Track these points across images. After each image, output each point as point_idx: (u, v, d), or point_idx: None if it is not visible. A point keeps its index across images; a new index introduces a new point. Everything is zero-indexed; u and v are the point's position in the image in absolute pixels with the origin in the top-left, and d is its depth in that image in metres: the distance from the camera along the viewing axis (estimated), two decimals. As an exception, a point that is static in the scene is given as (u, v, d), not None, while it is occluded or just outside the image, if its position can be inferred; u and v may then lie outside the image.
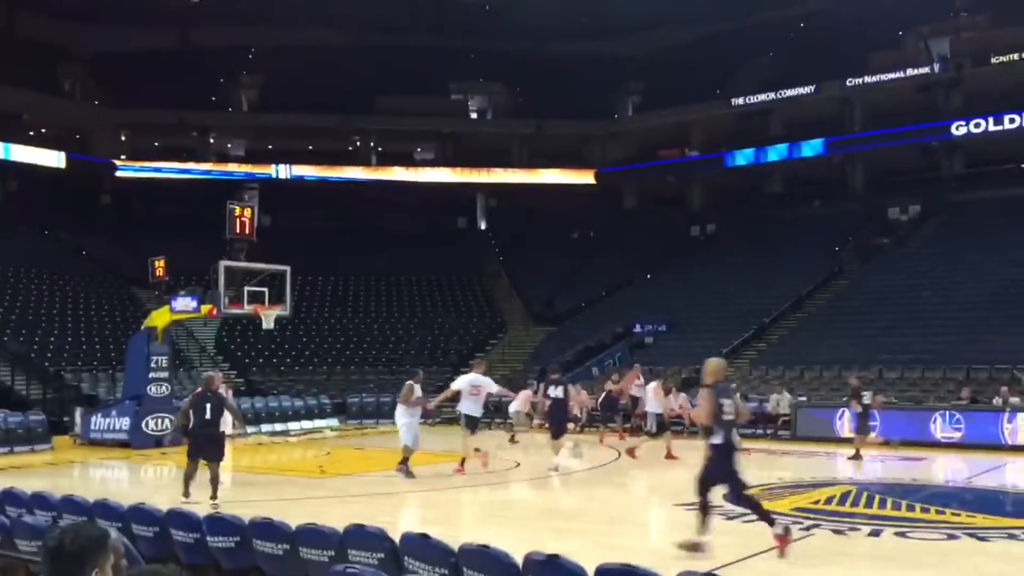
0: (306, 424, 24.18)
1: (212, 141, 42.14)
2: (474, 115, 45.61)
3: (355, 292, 37.01)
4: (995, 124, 33.00)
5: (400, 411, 14.72)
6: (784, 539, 8.32)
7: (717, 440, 8.58)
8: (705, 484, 8.68)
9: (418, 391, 14.67)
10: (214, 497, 11.77)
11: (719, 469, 8.63)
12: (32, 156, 36.14)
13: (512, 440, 20.29)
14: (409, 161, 43.85)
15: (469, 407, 14.51)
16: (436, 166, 42.97)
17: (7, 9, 38.85)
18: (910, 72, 35.36)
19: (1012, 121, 32.62)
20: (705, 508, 8.63)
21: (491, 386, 15.18)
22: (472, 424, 14.63)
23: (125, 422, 19.92)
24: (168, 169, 40.07)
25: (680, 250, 38.23)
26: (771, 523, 8.47)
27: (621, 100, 44.72)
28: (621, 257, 37.71)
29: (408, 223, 40.58)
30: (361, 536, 6.55)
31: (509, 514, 12.01)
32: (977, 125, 33.32)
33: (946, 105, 35.63)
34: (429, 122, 42.13)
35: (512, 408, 21.32)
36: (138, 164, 39.84)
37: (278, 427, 23.50)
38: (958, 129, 33.88)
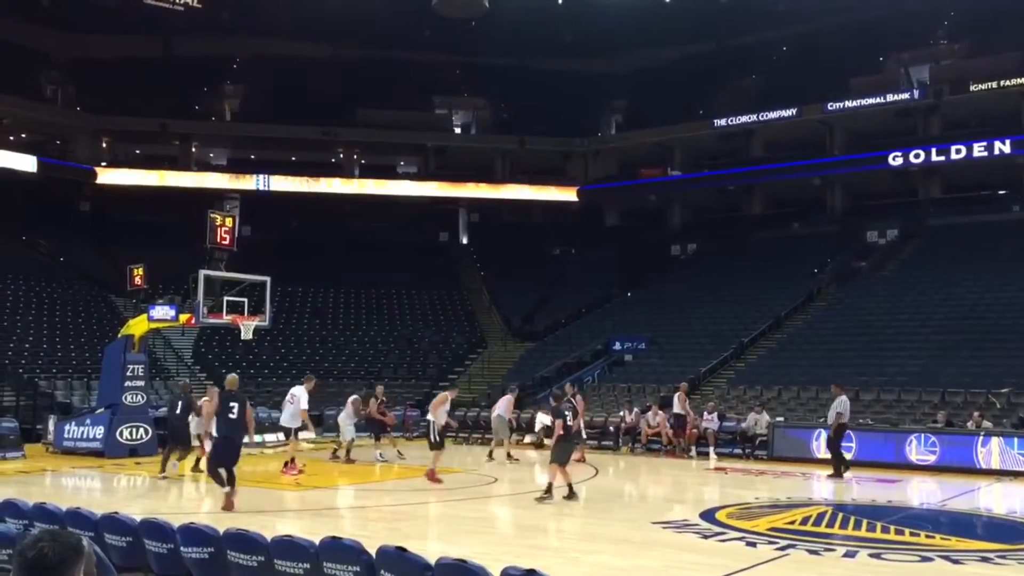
0: (283, 436, 23.97)
1: (194, 150, 41.96)
2: (458, 129, 45.69)
3: (335, 304, 36.87)
4: (972, 151, 33.40)
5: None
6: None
7: (219, 434, 12.57)
8: (213, 466, 12.42)
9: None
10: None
11: (222, 455, 12.29)
12: (5, 160, 35.69)
13: (490, 456, 19.77)
14: (392, 174, 43.82)
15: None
16: (419, 179, 42.98)
17: (-11, 14, 38.60)
18: (890, 97, 35.78)
19: (989, 148, 33.03)
20: (222, 481, 12.09)
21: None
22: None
23: (99, 431, 19.70)
24: (149, 177, 39.83)
25: (660, 268, 38.39)
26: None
27: (604, 118, 44.97)
28: (601, 274, 37.80)
29: (390, 236, 40.54)
30: (337, 549, 6.51)
31: (486, 529, 11.97)
32: (957, 151, 33.69)
33: (925, 131, 36.07)
34: (412, 135, 42.17)
35: (496, 412, 20.37)
36: (119, 171, 39.58)
37: (255, 439, 23.26)
38: (936, 155, 34.25)
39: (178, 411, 16.48)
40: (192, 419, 16.94)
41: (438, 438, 15.78)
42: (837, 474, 16.82)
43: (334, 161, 43.13)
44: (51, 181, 37.47)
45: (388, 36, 39.45)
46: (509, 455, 19.60)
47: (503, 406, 20.43)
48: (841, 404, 17.30)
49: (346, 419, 19.34)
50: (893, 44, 37.87)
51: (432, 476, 15.24)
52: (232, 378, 13.06)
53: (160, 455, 17.00)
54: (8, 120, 37.37)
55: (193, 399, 17.50)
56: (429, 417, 16.22)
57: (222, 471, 12.19)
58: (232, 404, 12.38)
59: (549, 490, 13.12)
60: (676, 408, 20.57)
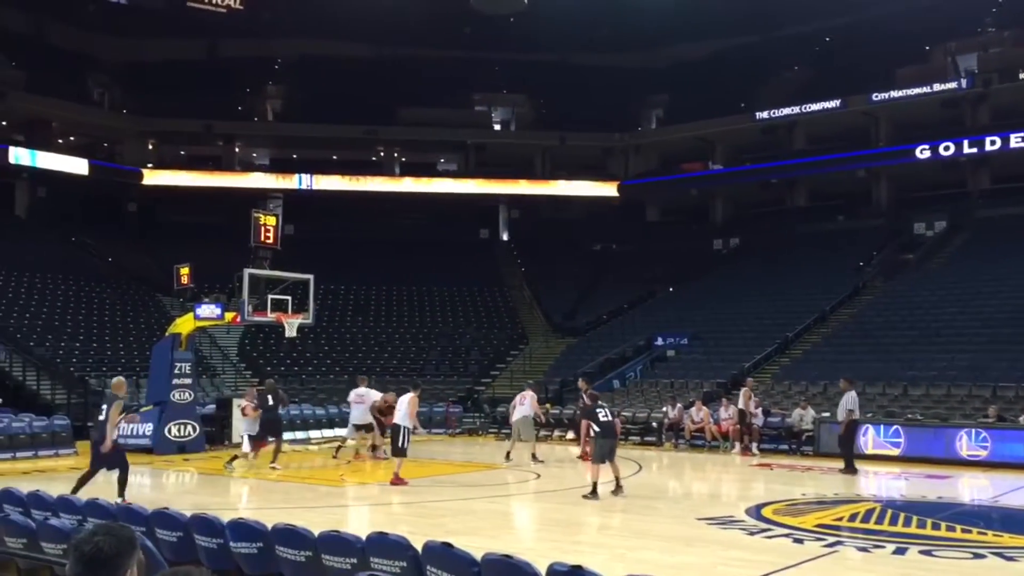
0: (327, 432, 24.21)
1: (237, 150, 42.48)
2: (497, 126, 45.75)
3: (377, 301, 37.12)
4: (1022, 140, 32.67)
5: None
6: None
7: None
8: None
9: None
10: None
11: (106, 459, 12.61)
12: (59, 163, 36.55)
13: (507, 457, 18.26)
14: (432, 171, 44.02)
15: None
16: (459, 177, 43.10)
17: (39, 19, 39.44)
18: (937, 87, 35.13)
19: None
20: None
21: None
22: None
23: (148, 428, 20.03)
24: (194, 178, 40.42)
25: (703, 263, 38.10)
26: None
27: (644, 112, 44.74)
28: (643, 270, 37.63)
29: (431, 233, 40.71)
30: (383, 544, 6.55)
31: (531, 525, 11.97)
32: (1005, 141, 33.00)
33: (973, 120, 35.39)
34: (452, 133, 42.31)
35: (520, 414, 18.52)
36: (165, 172, 40.23)
37: (299, 435, 23.54)
38: (986, 145, 33.55)
39: (270, 402, 17.52)
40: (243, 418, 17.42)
41: (405, 443, 14.85)
42: (850, 470, 16.48)
43: (375, 160, 43.41)
44: (101, 183, 38.21)
45: (428, 35, 39.61)
46: (534, 456, 18.14)
47: (528, 404, 18.68)
48: (850, 399, 17.04)
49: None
50: (940, 33, 37.19)
51: (397, 480, 14.47)
52: (269, 382, 13.59)
53: (209, 451, 17.31)
54: (57, 123, 38.18)
55: (282, 394, 18.68)
56: (397, 421, 15.15)
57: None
58: (268, 396, 12.98)
59: (594, 490, 12.99)
60: (741, 405, 20.29)
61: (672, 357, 29.91)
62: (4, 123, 37.28)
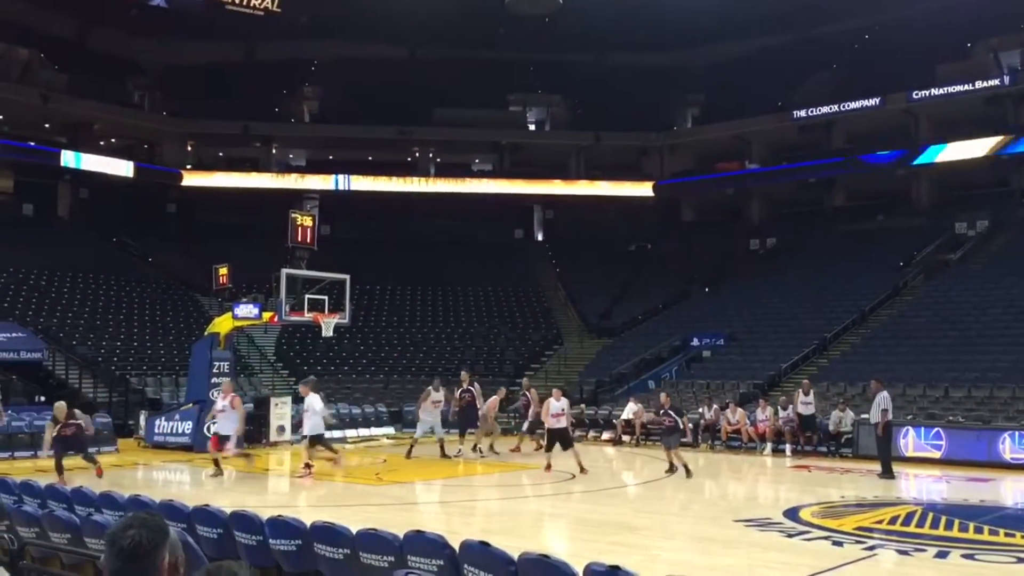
0: (363, 432, 24.37)
1: (274, 151, 42.87)
2: (532, 126, 45.72)
3: (412, 302, 37.26)
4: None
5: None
6: None
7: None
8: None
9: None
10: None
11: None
12: (103, 165, 37.15)
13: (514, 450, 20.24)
14: (467, 172, 44.09)
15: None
16: (494, 177, 43.13)
17: (81, 24, 40.11)
18: (979, 84, 34.55)
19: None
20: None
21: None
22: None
23: (188, 426, 20.29)
24: (232, 180, 40.87)
25: (739, 263, 37.80)
26: None
27: (680, 112, 44.47)
28: (679, 270, 37.41)
29: (465, 234, 40.76)
30: (421, 543, 6.57)
31: (567, 525, 11.95)
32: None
33: (1016, 118, 34.76)
34: (487, 133, 42.35)
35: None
36: (203, 174, 40.73)
37: (335, 434, 23.68)
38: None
39: (468, 398, 19.29)
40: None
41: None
42: (887, 474, 16.13)
43: (410, 160, 43.59)
44: (143, 184, 38.77)
45: (463, 35, 39.68)
46: (488, 447, 20.04)
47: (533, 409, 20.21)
48: (884, 400, 16.67)
49: (424, 414, 19.37)
50: (982, 29, 36.50)
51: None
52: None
53: (246, 448, 17.47)
54: (99, 126, 38.79)
55: (476, 388, 20.06)
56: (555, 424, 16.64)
57: None
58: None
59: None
60: (800, 407, 20.08)
61: (708, 358, 29.72)
62: (47, 126, 37.95)
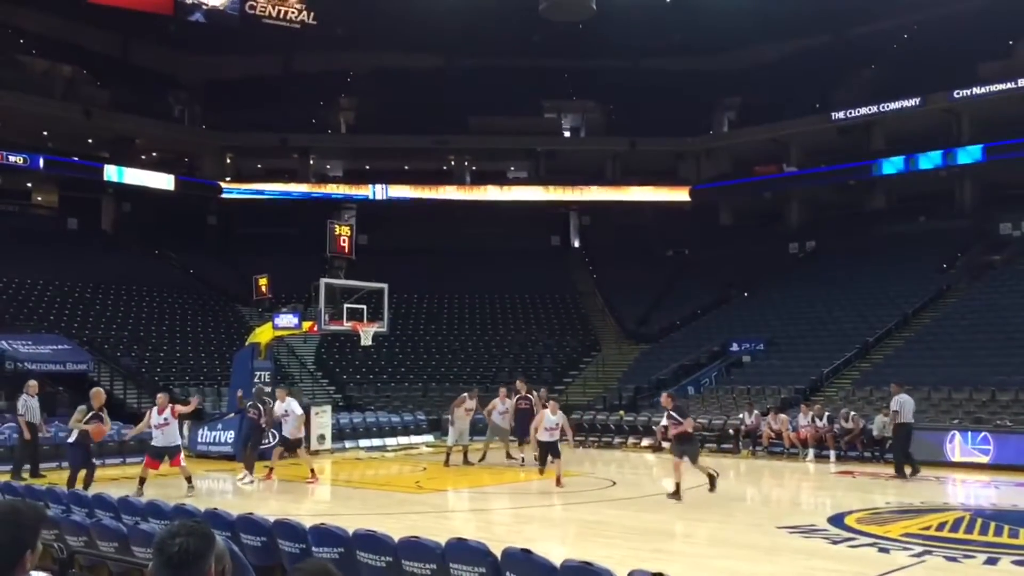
0: (402, 440, 24.47)
1: (312, 162, 43.29)
2: (567, 133, 45.70)
3: (450, 310, 37.39)
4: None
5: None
6: None
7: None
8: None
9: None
10: None
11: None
12: (145, 179, 37.80)
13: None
14: (502, 180, 44.18)
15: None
16: (529, 184, 43.18)
17: (123, 40, 40.89)
18: (1021, 83, 33.94)
19: None
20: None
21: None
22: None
23: (230, 435, 20.49)
24: (270, 191, 41.33)
25: (778, 267, 37.43)
26: None
27: (716, 115, 44.18)
28: (717, 275, 37.12)
29: (502, 241, 40.80)
30: (463, 550, 6.58)
31: (609, 532, 11.89)
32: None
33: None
34: (522, 141, 42.41)
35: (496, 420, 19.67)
36: (242, 186, 41.23)
37: (375, 442, 23.84)
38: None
39: (525, 406, 18.79)
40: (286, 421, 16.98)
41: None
42: (900, 474, 16.33)
43: (446, 169, 43.79)
44: (184, 197, 39.35)
45: (498, 43, 39.83)
46: (475, 459, 19.39)
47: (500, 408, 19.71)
48: (896, 402, 16.90)
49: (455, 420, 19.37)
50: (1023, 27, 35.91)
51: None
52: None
53: (287, 457, 17.63)
54: (141, 140, 39.48)
55: (534, 396, 19.23)
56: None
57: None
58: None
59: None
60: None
61: (747, 363, 29.44)
62: (90, 141, 38.69)
